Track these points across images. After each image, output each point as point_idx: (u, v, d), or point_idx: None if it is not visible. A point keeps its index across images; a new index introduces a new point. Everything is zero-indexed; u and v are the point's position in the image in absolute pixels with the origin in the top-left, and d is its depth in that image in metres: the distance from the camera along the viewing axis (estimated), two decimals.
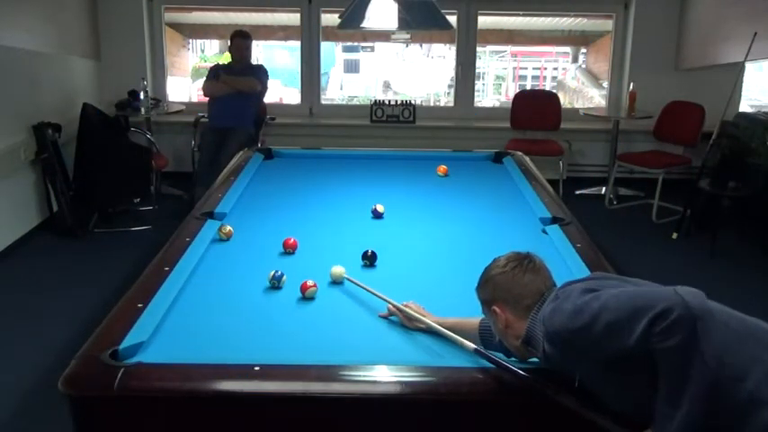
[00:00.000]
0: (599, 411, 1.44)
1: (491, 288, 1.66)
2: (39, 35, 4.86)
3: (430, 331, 1.89)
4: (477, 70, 6.49)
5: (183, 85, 6.92)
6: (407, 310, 1.95)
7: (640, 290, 1.41)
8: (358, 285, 2.16)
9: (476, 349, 1.69)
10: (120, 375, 1.58)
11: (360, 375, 1.63)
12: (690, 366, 1.27)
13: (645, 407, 1.36)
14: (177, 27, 6.61)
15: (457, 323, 1.87)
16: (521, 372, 1.56)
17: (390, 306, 2.00)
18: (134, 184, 5.08)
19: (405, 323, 1.96)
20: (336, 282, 2.24)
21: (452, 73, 6.52)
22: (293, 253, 2.51)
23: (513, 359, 1.69)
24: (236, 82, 5.23)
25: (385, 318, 2.02)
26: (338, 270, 2.24)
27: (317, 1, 6.10)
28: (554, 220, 2.84)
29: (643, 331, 1.29)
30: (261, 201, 3.20)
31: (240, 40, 5.31)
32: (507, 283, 1.64)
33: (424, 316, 1.92)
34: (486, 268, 1.71)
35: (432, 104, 7.36)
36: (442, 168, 3.72)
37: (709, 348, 1.28)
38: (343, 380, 1.62)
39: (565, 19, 6.63)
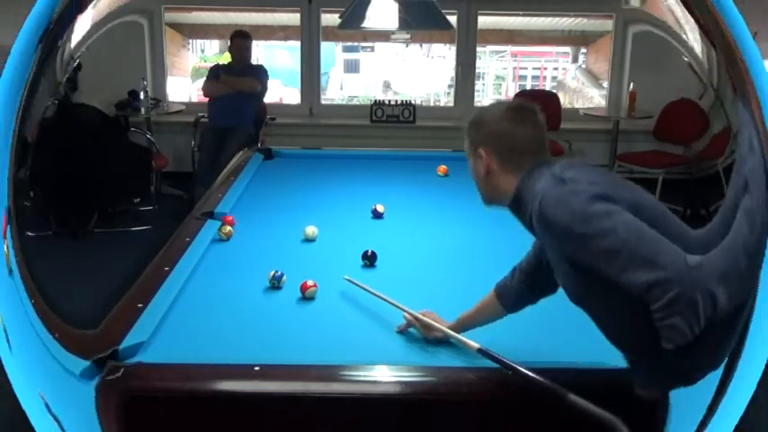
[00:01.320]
0: (604, 410, 1.43)
1: (483, 131, 1.57)
2: None
3: (446, 339, 1.82)
4: (477, 70, 6.48)
5: (183, 85, 6.91)
6: (425, 319, 1.85)
7: (655, 237, 1.35)
8: (374, 294, 2.07)
9: (479, 349, 1.68)
10: (120, 375, 1.58)
11: (360, 375, 1.63)
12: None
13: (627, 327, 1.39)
14: (177, 27, 6.60)
15: (475, 312, 1.82)
16: (526, 371, 1.55)
17: (407, 316, 1.91)
18: (134, 184, 5.08)
19: (423, 333, 1.86)
20: (309, 239, 2.60)
21: (452, 73, 6.52)
22: (233, 227, 2.66)
23: (518, 362, 1.67)
24: (237, 82, 5.23)
25: (403, 331, 1.92)
26: (311, 230, 2.62)
27: (317, 1, 6.09)
28: None
29: (637, 286, 1.28)
30: (261, 201, 3.20)
31: (240, 40, 5.31)
32: (501, 130, 1.54)
33: (440, 324, 1.83)
34: (483, 108, 1.61)
35: (432, 104, 7.35)
36: (442, 168, 3.72)
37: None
38: (343, 380, 1.62)
39: (565, 19, 6.63)
